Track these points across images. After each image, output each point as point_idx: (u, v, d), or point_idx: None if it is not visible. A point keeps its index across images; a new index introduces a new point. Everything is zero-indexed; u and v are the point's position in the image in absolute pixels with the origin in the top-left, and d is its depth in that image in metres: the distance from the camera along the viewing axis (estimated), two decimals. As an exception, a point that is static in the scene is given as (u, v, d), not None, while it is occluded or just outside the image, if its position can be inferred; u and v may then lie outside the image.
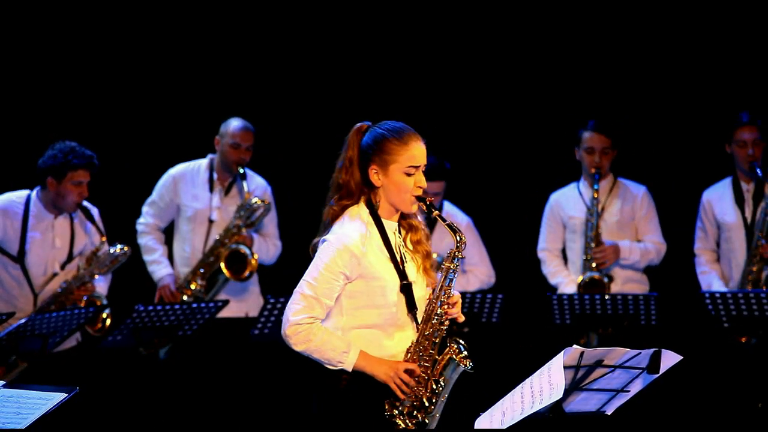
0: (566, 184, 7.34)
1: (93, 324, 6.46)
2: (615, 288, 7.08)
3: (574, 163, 7.26)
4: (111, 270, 6.57)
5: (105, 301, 6.49)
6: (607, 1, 8.02)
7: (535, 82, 8.11)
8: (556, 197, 7.33)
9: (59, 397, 3.86)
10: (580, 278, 7.06)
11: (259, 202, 7.05)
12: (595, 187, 7.11)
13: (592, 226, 7.09)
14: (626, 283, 7.15)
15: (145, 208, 7.24)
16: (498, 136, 8.16)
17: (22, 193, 6.54)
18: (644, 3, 7.99)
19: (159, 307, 6.44)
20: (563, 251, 7.31)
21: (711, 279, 6.99)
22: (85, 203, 6.57)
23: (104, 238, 6.56)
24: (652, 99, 8.03)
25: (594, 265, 7.06)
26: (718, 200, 7.05)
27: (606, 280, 7.05)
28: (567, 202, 7.27)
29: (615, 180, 7.26)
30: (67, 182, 6.40)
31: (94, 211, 6.63)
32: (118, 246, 6.54)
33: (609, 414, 4.06)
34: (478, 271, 7.31)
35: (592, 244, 7.07)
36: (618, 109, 7.86)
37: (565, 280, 7.18)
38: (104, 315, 6.50)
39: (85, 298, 6.45)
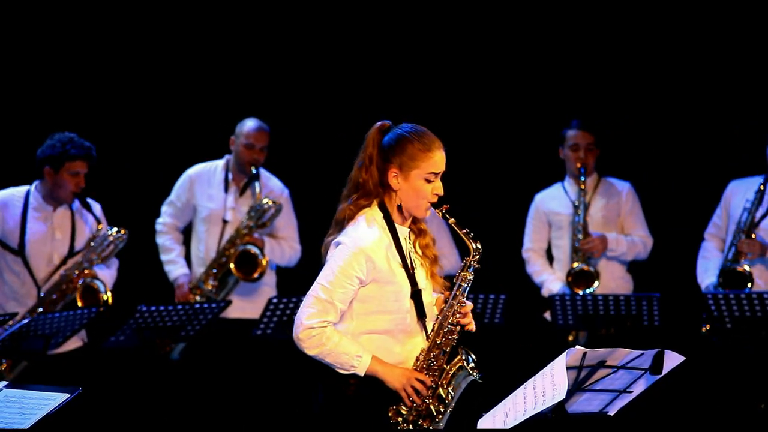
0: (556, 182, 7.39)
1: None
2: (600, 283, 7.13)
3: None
4: (110, 255, 6.56)
5: (102, 286, 6.46)
6: (587, 3, 8.02)
7: (517, 85, 8.12)
8: (540, 197, 7.40)
9: (62, 397, 3.86)
10: (575, 264, 7.09)
11: (270, 203, 7.05)
12: (582, 179, 7.15)
13: (579, 219, 7.13)
14: (612, 280, 7.19)
15: (163, 208, 7.26)
16: (502, 136, 8.16)
17: (23, 188, 6.56)
18: (625, 3, 7.99)
19: (162, 308, 6.43)
20: (548, 251, 7.35)
21: (709, 265, 6.99)
22: (88, 199, 6.57)
23: (101, 226, 6.55)
24: (635, 99, 8.04)
25: (582, 256, 7.10)
26: (742, 195, 7.02)
27: (594, 270, 7.09)
28: (552, 201, 7.33)
29: (599, 178, 7.32)
30: (64, 172, 6.41)
31: (96, 206, 6.64)
32: (114, 229, 6.54)
33: (612, 415, 4.06)
34: (448, 253, 7.34)
35: (580, 236, 7.12)
36: (601, 111, 7.88)
37: (551, 277, 7.23)
38: (106, 297, 6.47)
39: (80, 282, 6.44)
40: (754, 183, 7.01)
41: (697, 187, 7.75)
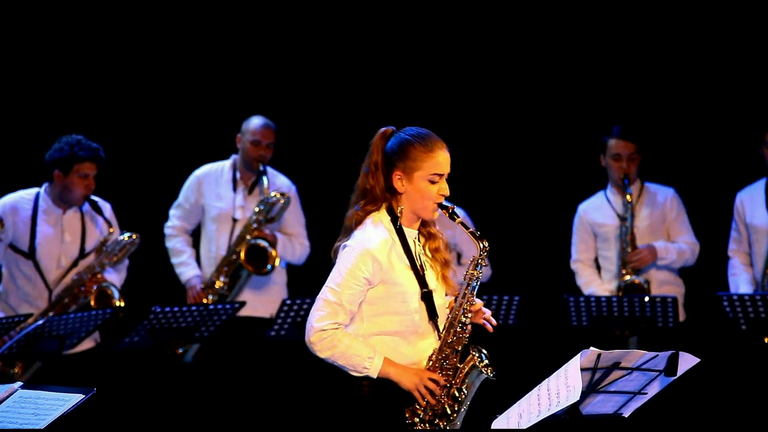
0: (589, 189, 7.32)
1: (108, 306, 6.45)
2: (651, 292, 7.05)
3: (596, 169, 7.24)
4: (122, 259, 6.57)
5: (116, 292, 6.49)
6: (630, 9, 7.98)
7: (556, 90, 8.09)
8: (584, 207, 7.29)
9: (76, 398, 3.87)
10: (623, 278, 7.01)
11: (278, 196, 7.06)
12: (629, 191, 7.07)
13: (626, 231, 7.06)
14: (662, 285, 7.11)
15: (172, 211, 7.28)
16: (515, 140, 8.15)
17: (32, 191, 6.58)
18: (667, 8, 7.95)
19: (176, 309, 6.45)
20: (596, 260, 7.29)
21: (739, 282, 6.95)
22: (97, 198, 6.60)
23: (113, 229, 6.57)
24: (675, 102, 7.99)
25: (631, 269, 7.02)
26: (750, 202, 7.00)
27: (643, 282, 7.00)
28: (596, 212, 7.23)
29: (642, 185, 7.23)
30: (74, 175, 6.43)
31: (106, 206, 6.66)
32: (126, 234, 6.56)
33: (626, 416, 4.06)
34: None
35: (628, 249, 7.03)
36: (641, 114, 7.82)
37: (599, 289, 7.15)
38: (119, 304, 6.49)
39: (94, 288, 6.46)
40: (758, 187, 7.00)
41: (719, 189, 7.70)
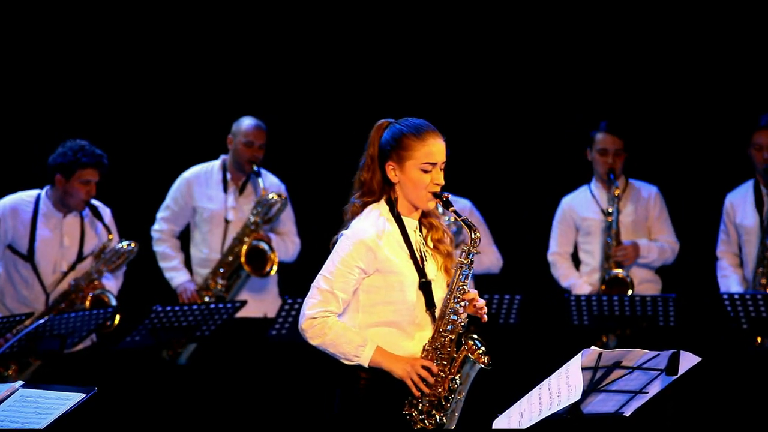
0: (582, 185, 7.34)
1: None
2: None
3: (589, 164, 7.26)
4: (119, 267, 6.58)
5: (113, 299, 6.49)
6: (618, 1, 7.99)
7: (545, 83, 8.09)
8: (568, 201, 7.33)
9: (78, 397, 3.87)
10: (613, 269, 7.04)
11: (276, 197, 7.06)
12: (616, 185, 7.09)
13: (611, 226, 7.08)
14: (641, 283, 7.14)
15: (159, 215, 7.23)
16: (517, 137, 8.15)
17: (33, 192, 6.57)
18: (657, 2, 7.95)
19: (177, 308, 6.45)
20: (574, 254, 7.31)
21: (730, 283, 6.95)
22: (98, 203, 6.59)
23: (112, 236, 6.57)
24: (664, 99, 7.99)
25: (614, 263, 7.05)
26: (740, 203, 7.01)
27: (627, 277, 7.03)
28: (580, 205, 7.27)
29: (627, 182, 7.26)
30: (75, 180, 6.43)
31: (106, 211, 6.65)
32: (125, 242, 6.55)
33: (627, 416, 4.05)
34: (488, 251, 7.31)
35: (613, 243, 7.06)
36: (629, 110, 7.83)
37: (579, 281, 7.17)
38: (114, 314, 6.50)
39: (90, 295, 6.46)
40: (747, 188, 7.01)
41: (714, 188, 7.71)
